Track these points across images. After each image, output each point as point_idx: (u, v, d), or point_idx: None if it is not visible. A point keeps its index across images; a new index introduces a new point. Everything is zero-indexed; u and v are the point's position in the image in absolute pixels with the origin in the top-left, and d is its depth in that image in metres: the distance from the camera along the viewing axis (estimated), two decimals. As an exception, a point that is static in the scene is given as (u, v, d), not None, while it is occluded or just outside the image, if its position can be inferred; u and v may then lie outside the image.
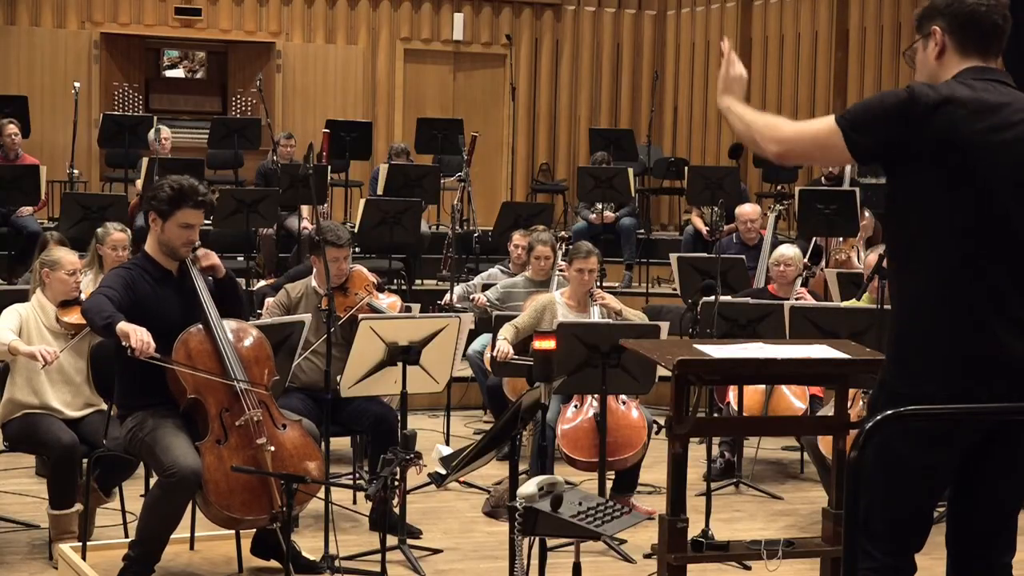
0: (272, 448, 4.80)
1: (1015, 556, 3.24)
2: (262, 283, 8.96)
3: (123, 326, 4.58)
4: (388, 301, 6.69)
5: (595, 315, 6.69)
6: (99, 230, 7.35)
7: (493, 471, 6.11)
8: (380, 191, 10.77)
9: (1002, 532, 3.19)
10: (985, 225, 3.04)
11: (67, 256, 5.70)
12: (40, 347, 5.32)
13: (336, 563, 5.14)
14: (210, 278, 5.07)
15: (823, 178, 11.61)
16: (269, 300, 6.59)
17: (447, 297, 8.54)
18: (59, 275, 5.60)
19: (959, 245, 3.04)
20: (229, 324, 4.99)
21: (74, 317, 5.60)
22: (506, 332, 6.60)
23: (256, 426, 4.81)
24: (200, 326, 4.89)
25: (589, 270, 6.72)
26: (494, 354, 6.57)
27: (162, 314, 4.82)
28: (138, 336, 4.54)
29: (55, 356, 5.29)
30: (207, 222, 7.06)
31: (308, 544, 5.33)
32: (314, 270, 6.44)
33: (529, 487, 3.66)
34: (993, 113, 3.05)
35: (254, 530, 5.21)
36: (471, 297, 8.13)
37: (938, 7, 3.20)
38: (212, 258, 5.07)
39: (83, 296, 5.71)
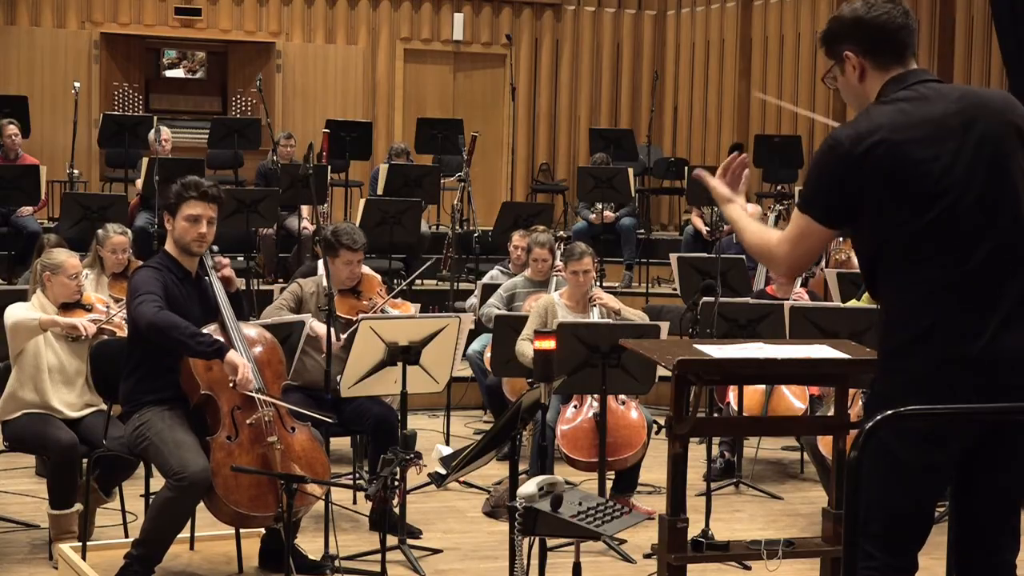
0: (281, 447, 4.81)
1: (1019, 555, 3.24)
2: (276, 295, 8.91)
3: (233, 357, 4.73)
4: (396, 303, 6.67)
5: (595, 315, 6.68)
6: (99, 232, 7.36)
7: (493, 471, 6.12)
8: (380, 191, 10.77)
9: (1005, 529, 3.19)
10: (955, 240, 3.05)
11: (69, 260, 5.70)
12: (80, 319, 5.43)
13: (336, 563, 5.14)
14: None
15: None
16: (289, 288, 6.54)
17: (479, 309, 8.26)
18: (61, 279, 5.60)
19: (934, 264, 3.06)
20: (244, 327, 5.03)
21: (76, 319, 5.60)
22: (529, 351, 6.52)
23: (267, 425, 4.82)
24: (216, 326, 4.91)
25: (584, 271, 6.71)
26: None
27: (184, 314, 4.83)
28: (244, 373, 4.71)
29: (94, 330, 5.45)
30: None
31: (308, 544, 5.33)
32: (319, 270, 6.43)
33: (529, 487, 3.66)
34: (921, 125, 3.06)
35: (258, 536, 5.23)
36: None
37: (842, 30, 3.19)
38: (229, 270, 5.11)
39: (83, 299, 5.72)
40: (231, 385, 4.75)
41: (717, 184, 3.48)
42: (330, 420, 5.31)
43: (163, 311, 4.72)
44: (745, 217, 3.42)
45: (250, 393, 4.79)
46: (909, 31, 3.18)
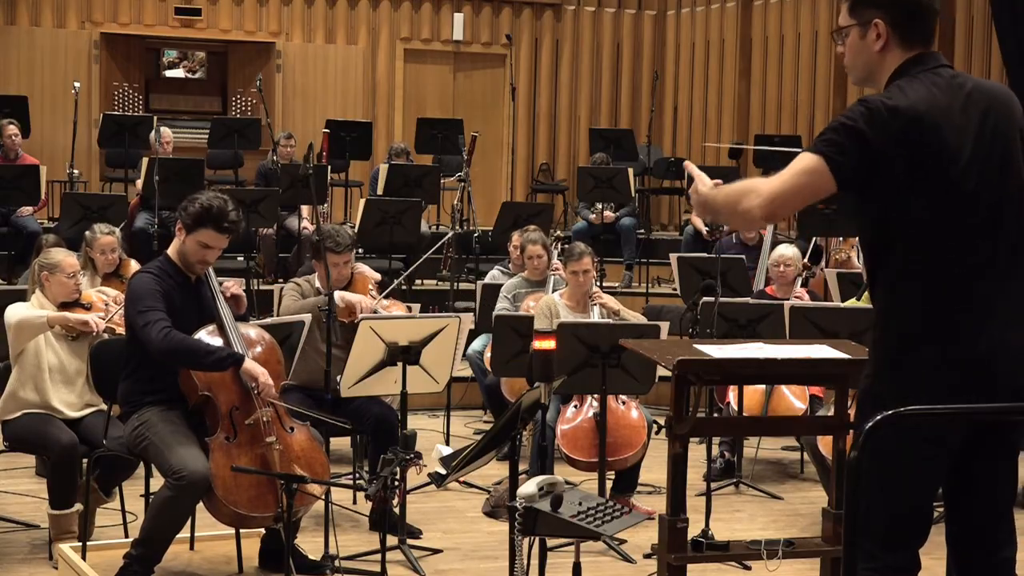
0: (280, 447, 4.81)
1: (1018, 554, 3.24)
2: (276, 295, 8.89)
3: (251, 367, 4.76)
4: (385, 304, 6.65)
5: (595, 315, 6.68)
6: (87, 233, 7.37)
7: (493, 471, 6.12)
8: (380, 191, 10.77)
9: (1001, 524, 3.19)
10: (960, 237, 3.04)
11: (67, 259, 5.70)
12: (90, 315, 5.47)
13: (336, 563, 5.14)
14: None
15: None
16: (287, 287, 6.53)
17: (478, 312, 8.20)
18: (59, 278, 5.60)
19: (947, 253, 3.04)
20: (242, 327, 5.03)
21: (87, 315, 5.61)
22: None
23: (266, 425, 4.82)
24: (214, 326, 4.92)
25: (584, 271, 6.71)
26: None
27: (181, 318, 4.83)
28: (265, 381, 4.76)
29: (104, 326, 5.47)
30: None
31: (308, 544, 5.33)
32: (316, 272, 6.43)
33: (529, 487, 3.66)
34: (950, 111, 3.04)
35: (258, 536, 5.23)
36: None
37: None
38: (237, 290, 5.11)
39: (83, 298, 5.72)
40: (256, 393, 4.76)
41: (702, 174, 3.37)
42: (347, 427, 5.30)
43: (170, 334, 4.71)
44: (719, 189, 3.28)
45: (273, 400, 4.79)
46: (937, 15, 3.16)
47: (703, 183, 3.29)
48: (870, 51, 3.14)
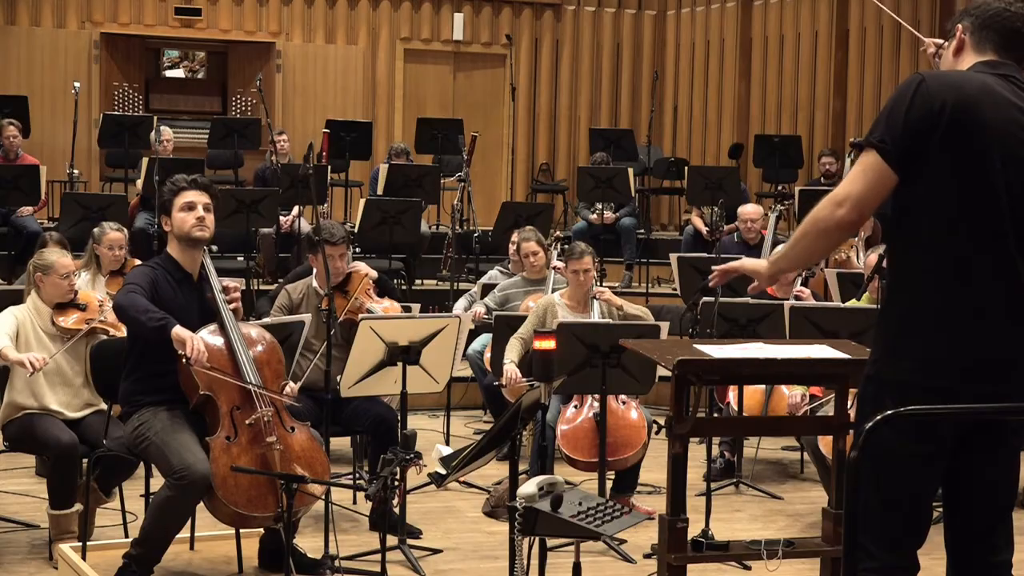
0: (281, 447, 4.81)
1: (1015, 556, 3.24)
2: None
3: (179, 331, 4.66)
4: (384, 305, 6.65)
5: (596, 313, 6.67)
6: (95, 230, 7.43)
7: (493, 471, 6.12)
8: (380, 191, 10.78)
9: (998, 527, 3.19)
10: (990, 222, 3.03)
11: (60, 259, 5.69)
12: (29, 355, 5.31)
13: (336, 563, 5.14)
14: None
15: (822, 177, 11.62)
16: (278, 299, 6.53)
17: (465, 308, 8.23)
18: (52, 279, 5.59)
19: (961, 241, 3.04)
20: (243, 327, 5.02)
21: (70, 320, 5.60)
22: (512, 352, 6.53)
23: (267, 425, 4.82)
24: (215, 326, 4.91)
25: (584, 270, 6.71)
26: (503, 382, 6.49)
27: (181, 316, 4.81)
28: (194, 344, 4.63)
29: (44, 363, 5.31)
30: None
31: (308, 544, 5.33)
32: (314, 270, 6.44)
33: (529, 487, 3.66)
34: (998, 104, 3.06)
35: (257, 536, 5.22)
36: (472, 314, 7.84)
37: (967, 8, 3.28)
38: (235, 294, 5.10)
39: (78, 298, 5.71)
40: (184, 361, 4.68)
41: (742, 261, 3.58)
42: (297, 404, 5.27)
43: (130, 294, 4.74)
44: (780, 249, 3.43)
45: (204, 370, 4.71)
46: (1022, 42, 3.22)
47: (755, 265, 3.50)
48: (948, 55, 3.28)
